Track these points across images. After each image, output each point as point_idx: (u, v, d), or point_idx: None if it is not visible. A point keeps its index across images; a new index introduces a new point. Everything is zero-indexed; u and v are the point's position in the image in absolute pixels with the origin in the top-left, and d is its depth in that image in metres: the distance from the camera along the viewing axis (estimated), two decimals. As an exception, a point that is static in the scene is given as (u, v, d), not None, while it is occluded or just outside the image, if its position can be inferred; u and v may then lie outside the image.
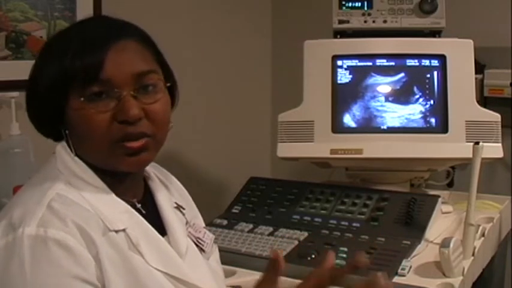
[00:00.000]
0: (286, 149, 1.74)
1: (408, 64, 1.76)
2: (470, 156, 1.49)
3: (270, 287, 1.03)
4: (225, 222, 1.69)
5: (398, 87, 1.76)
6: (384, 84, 1.76)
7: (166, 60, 1.01)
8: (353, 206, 1.70)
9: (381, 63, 1.77)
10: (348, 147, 1.69)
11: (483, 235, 1.63)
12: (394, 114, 1.74)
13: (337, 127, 1.73)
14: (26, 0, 1.61)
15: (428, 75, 1.74)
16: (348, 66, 1.77)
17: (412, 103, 1.74)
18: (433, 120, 1.73)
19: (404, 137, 1.70)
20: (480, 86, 2.00)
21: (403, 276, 1.39)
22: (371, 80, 1.76)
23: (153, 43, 0.99)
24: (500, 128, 1.67)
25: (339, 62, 1.77)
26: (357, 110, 1.75)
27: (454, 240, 1.38)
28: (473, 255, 1.51)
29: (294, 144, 1.73)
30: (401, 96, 1.75)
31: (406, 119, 1.73)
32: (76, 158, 0.95)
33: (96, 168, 0.95)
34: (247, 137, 2.46)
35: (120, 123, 0.90)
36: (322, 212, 1.70)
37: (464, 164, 1.91)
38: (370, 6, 1.87)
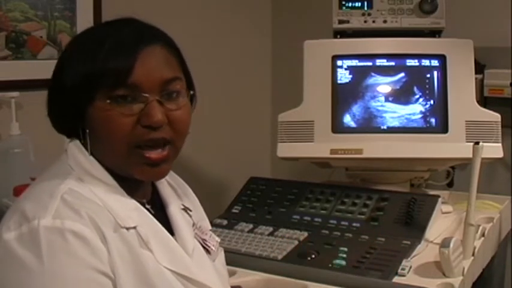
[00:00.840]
0: (286, 149, 1.74)
1: (408, 64, 1.76)
2: (470, 156, 1.49)
3: None
4: (225, 222, 1.69)
5: (398, 87, 1.76)
6: (383, 84, 1.76)
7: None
8: (353, 206, 1.70)
9: (381, 63, 1.77)
10: (348, 147, 1.69)
11: (483, 235, 1.63)
12: (394, 114, 1.74)
13: (337, 127, 1.73)
14: (26, 0, 1.61)
15: (428, 75, 1.74)
16: (348, 66, 1.77)
17: (412, 103, 1.74)
18: (433, 120, 1.73)
19: (404, 137, 1.70)
20: (480, 86, 2.00)
21: (403, 276, 1.38)
22: (371, 80, 1.76)
23: (177, 49, 0.99)
24: (500, 128, 1.68)
25: (339, 62, 1.77)
26: (357, 110, 1.75)
27: (454, 240, 1.38)
28: (473, 255, 1.51)
29: (294, 144, 1.73)
30: (401, 96, 1.75)
31: (406, 119, 1.73)
32: (90, 157, 0.95)
33: (108, 169, 0.95)
34: (247, 137, 2.46)
35: (143, 127, 0.91)
36: (322, 212, 1.70)
37: (464, 164, 1.91)
38: (370, 6, 1.87)
